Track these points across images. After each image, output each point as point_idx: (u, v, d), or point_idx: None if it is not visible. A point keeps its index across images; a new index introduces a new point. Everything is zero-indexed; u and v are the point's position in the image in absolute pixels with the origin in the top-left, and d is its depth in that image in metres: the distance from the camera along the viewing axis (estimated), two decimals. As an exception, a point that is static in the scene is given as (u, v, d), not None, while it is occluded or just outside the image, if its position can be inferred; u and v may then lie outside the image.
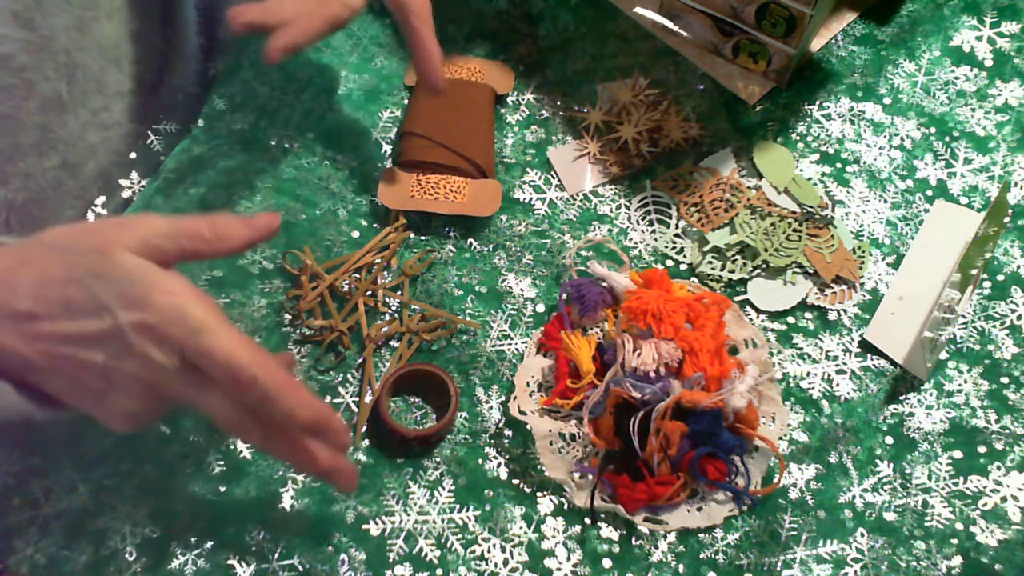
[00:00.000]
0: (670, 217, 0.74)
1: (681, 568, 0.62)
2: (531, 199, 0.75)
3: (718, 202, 0.74)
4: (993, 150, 0.76)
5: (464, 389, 0.68)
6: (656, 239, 0.74)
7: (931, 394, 0.68)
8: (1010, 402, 0.67)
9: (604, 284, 0.69)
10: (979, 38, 0.81)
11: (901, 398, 0.68)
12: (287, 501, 0.64)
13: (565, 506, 0.64)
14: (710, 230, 0.73)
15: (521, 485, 0.65)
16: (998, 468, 0.65)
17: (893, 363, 0.69)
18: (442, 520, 0.64)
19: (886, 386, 0.68)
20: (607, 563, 0.63)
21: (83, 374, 0.49)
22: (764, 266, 0.72)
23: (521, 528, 0.64)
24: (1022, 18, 0.81)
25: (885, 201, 0.75)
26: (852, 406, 0.68)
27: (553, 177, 0.76)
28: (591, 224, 0.74)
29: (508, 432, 0.67)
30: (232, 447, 0.66)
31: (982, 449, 0.66)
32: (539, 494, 0.65)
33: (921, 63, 0.80)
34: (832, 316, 0.71)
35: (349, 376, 0.68)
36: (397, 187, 0.73)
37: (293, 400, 0.49)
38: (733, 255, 0.72)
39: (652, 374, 0.63)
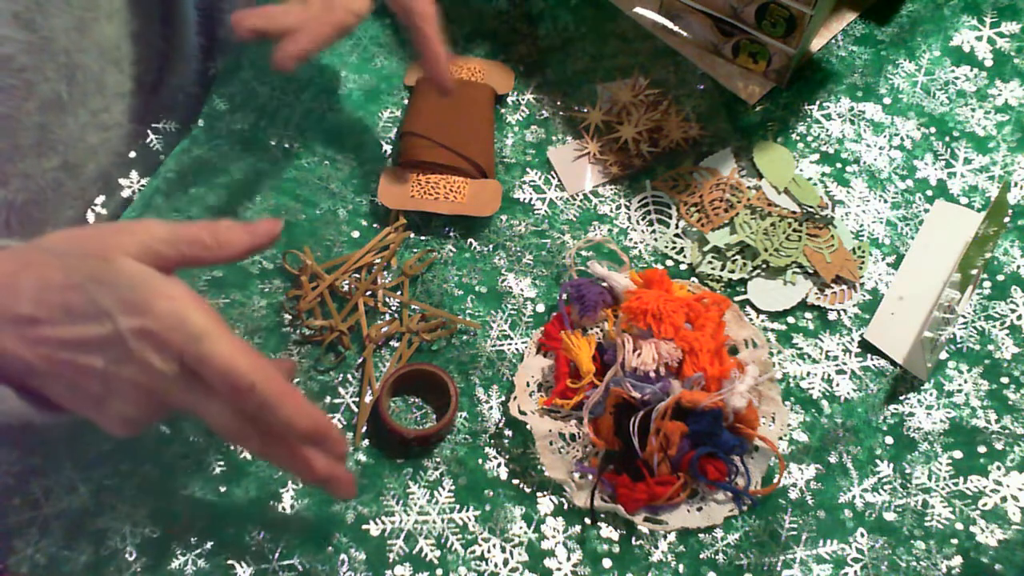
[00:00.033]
0: (670, 217, 0.74)
1: (681, 568, 0.62)
2: (531, 199, 0.75)
3: (718, 202, 0.74)
4: (993, 150, 0.76)
5: (464, 389, 0.68)
6: (656, 239, 0.74)
7: (931, 394, 0.68)
8: (1010, 402, 0.67)
9: (604, 284, 0.69)
10: (979, 38, 0.81)
11: (901, 398, 0.68)
12: (287, 501, 0.64)
13: (565, 506, 0.64)
14: (710, 230, 0.73)
15: (521, 485, 0.65)
16: (998, 468, 0.65)
17: (893, 363, 0.69)
18: (442, 520, 0.64)
19: (886, 386, 0.68)
20: (607, 563, 0.63)
21: (83, 379, 0.49)
22: (764, 266, 0.72)
23: (521, 528, 0.64)
24: (1022, 18, 0.81)
25: (885, 201, 0.75)
26: (852, 406, 0.68)
27: (553, 177, 0.76)
28: (591, 224, 0.74)
29: (508, 432, 0.67)
30: (232, 447, 0.66)
31: (982, 449, 0.66)
32: (539, 494, 0.65)
33: (921, 63, 0.80)
34: (832, 316, 0.71)
35: (349, 376, 0.68)
36: (397, 187, 0.73)
37: (291, 409, 0.49)
38: (733, 255, 0.72)
39: (652, 374, 0.63)
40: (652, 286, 0.67)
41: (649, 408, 0.62)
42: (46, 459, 0.65)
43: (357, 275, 0.71)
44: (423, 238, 0.73)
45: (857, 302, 0.71)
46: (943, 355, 0.69)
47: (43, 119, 0.66)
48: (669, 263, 0.73)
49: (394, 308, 0.71)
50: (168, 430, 0.66)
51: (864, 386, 0.68)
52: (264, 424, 0.50)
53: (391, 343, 0.69)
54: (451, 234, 0.74)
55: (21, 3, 0.61)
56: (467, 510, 0.64)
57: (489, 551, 0.63)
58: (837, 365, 0.69)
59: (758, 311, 0.71)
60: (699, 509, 0.63)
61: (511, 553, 0.63)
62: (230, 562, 0.62)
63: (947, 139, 0.77)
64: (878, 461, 0.66)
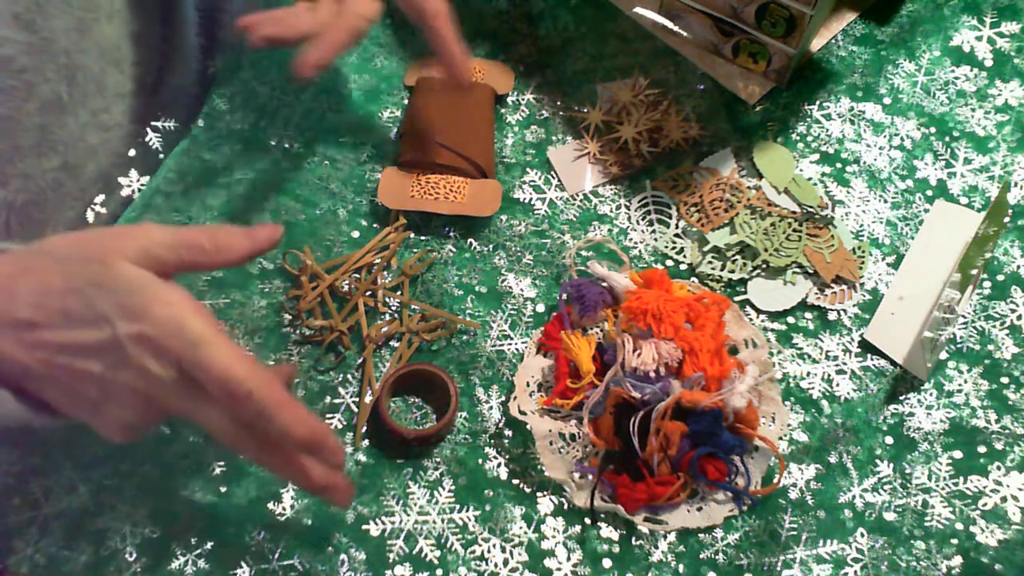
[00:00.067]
0: (670, 217, 0.74)
1: (681, 568, 0.62)
2: (531, 199, 0.75)
3: (718, 202, 0.74)
4: (993, 150, 0.76)
5: (464, 389, 0.68)
6: (656, 239, 0.74)
7: (931, 394, 0.68)
8: (1010, 402, 0.67)
9: (604, 284, 0.69)
10: (979, 38, 0.81)
11: (901, 398, 0.68)
12: (287, 502, 0.64)
13: (565, 506, 0.64)
14: (710, 230, 0.73)
15: (521, 485, 0.65)
16: (998, 468, 0.65)
17: (893, 363, 0.69)
18: (442, 520, 0.64)
19: (886, 386, 0.68)
20: (607, 563, 0.63)
21: (80, 383, 0.49)
22: (764, 266, 0.72)
23: (521, 528, 0.64)
24: (1022, 18, 0.81)
25: (885, 201, 0.75)
26: (852, 406, 0.68)
27: (553, 177, 0.76)
28: (591, 224, 0.74)
29: (508, 432, 0.67)
30: (232, 447, 0.66)
31: (982, 449, 0.66)
32: (539, 494, 0.65)
33: (921, 63, 0.80)
34: (832, 316, 0.71)
35: (349, 376, 0.69)
36: (397, 187, 0.73)
37: (288, 417, 0.49)
38: (733, 255, 0.72)
39: (652, 374, 0.63)
40: (652, 286, 0.67)
41: (649, 408, 0.62)
42: (46, 459, 0.65)
43: (357, 275, 0.71)
44: (423, 238, 0.73)
45: (857, 302, 0.71)
46: (943, 355, 0.69)
47: (43, 120, 0.66)
48: (669, 263, 0.73)
49: (394, 308, 0.71)
50: (168, 430, 0.66)
51: (864, 386, 0.68)
52: (261, 431, 0.50)
53: (391, 343, 0.69)
54: (451, 234, 0.74)
55: (21, 4, 0.61)
56: (467, 510, 0.64)
57: (489, 551, 0.63)
58: (837, 365, 0.69)
59: (758, 311, 0.71)
60: (699, 509, 0.63)
61: (511, 553, 0.63)
62: (230, 562, 0.62)
63: (947, 139, 0.77)
64: (878, 461, 0.66)
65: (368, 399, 0.67)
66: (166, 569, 0.62)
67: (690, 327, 0.65)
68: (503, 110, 0.79)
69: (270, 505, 0.64)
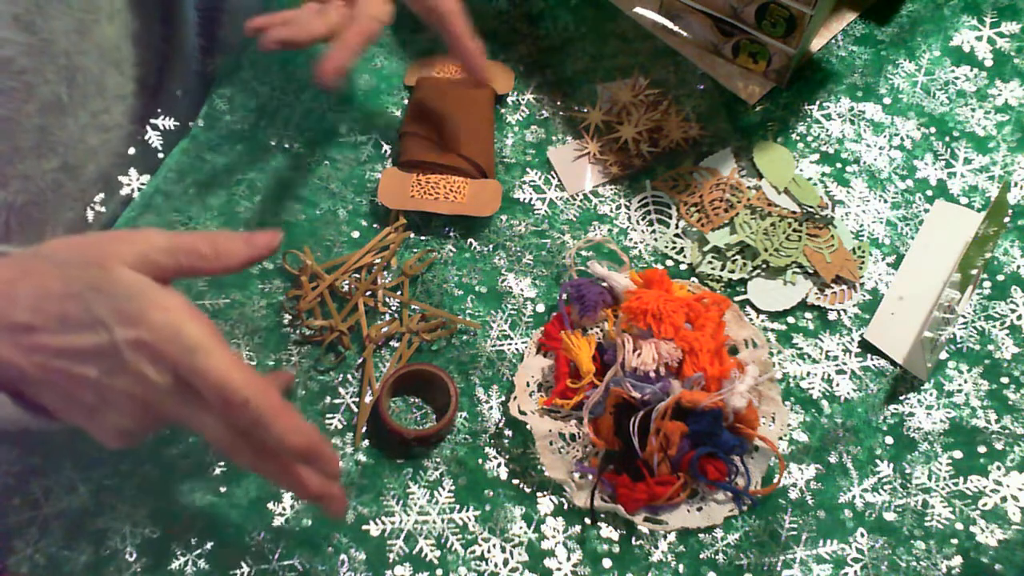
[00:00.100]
0: (670, 217, 0.74)
1: (681, 568, 0.62)
2: (531, 199, 0.75)
3: (718, 202, 0.74)
4: (993, 150, 0.76)
5: (464, 389, 0.68)
6: (656, 239, 0.74)
7: (931, 394, 0.68)
8: (1010, 402, 0.67)
9: (604, 284, 0.69)
10: (979, 38, 0.81)
11: (901, 398, 0.68)
12: (287, 502, 0.64)
13: (565, 506, 0.64)
14: (710, 230, 0.73)
15: (521, 485, 0.65)
16: (998, 468, 0.65)
17: (893, 363, 0.69)
18: (442, 520, 0.64)
19: (886, 386, 0.68)
20: (607, 563, 0.63)
21: (77, 388, 0.49)
22: (764, 266, 0.72)
23: (521, 528, 0.64)
24: (1022, 18, 0.81)
25: (885, 201, 0.75)
26: (852, 406, 0.68)
27: (553, 177, 0.76)
28: (591, 224, 0.74)
29: (508, 432, 0.67)
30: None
31: (982, 449, 0.66)
32: (539, 494, 0.65)
33: (921, 63, 0.80)
34: (832, 316, 0.71)
35: (349, 376, 0.69)
36: (397, 187, 0.73)
37: (284, 426, 0.48)
38: (733, 255, 0.72)
39: (652, 374, 0.63)
40: (652, 286, 0.67)
41: (649, 408, 0.62)
42: (46, 459, 0.65)
43: (357, 275, 0.71)
44: (423, 238, 0.73)
45: (857, 302, 0.71)
46: (943, 355, 0.69)
47: (43, 121, 0.66)
48: (669, 263, 0.73)
49: (394, 308, 0.71)
50: (168, 431, 0.66)
51: (864, 386, 0.68)
52: (257, 439, 0.50)
53: (391, 343, 0.70)
54: (451, 234, 0.74)
55: (21, 5, 0.61)
56: (467, 510, 0.64)
57: (489, 551, 0.63)
58: (837, 365, 0.69)
59: (758, 311, 0.71)
60: (699, 509, 0.63)
61: (511, 553, 0.63)
62: (230, 562, 0.62)
63: (947, 139, 0.77)
64: (878, 461, 0.66)
65: (368, 399, 0.67)
66: (166, 569, 0.62)
67: (690, 327, 0.65)
68: (503, 110, 0.79)
69: (270, 505, 0.64)
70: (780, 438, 0.66)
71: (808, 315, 0.71)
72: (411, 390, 0.68)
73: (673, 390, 0.62)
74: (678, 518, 0.63)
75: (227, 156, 0.76)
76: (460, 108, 0.75)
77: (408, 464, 0.66)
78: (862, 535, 0.63)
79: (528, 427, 0.65)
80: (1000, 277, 0.72)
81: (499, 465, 0.66)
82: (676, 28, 0.81)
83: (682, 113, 0.78)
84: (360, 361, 0.69)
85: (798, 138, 0.77)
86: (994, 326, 0.70)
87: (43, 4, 0.63)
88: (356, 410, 0.67)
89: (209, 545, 0.63)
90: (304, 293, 0.69)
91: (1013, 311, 0.70)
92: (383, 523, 0.64)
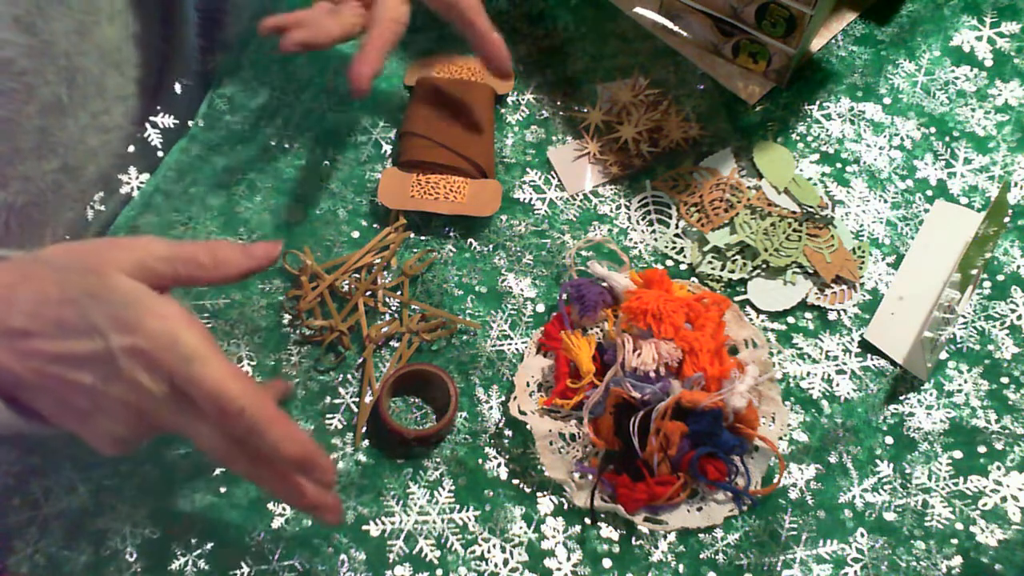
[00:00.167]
0: (670, 217, 0.74)
1: (681, 568, 0.62)
2: (531, 199, 0.75)
3: (718, 202, 0.74)
4: (993, 150, 0.76)
5: (464, 389, 0.68)
6: (656, 239, 0.74)
7: (931, 394, 0.68)
8: (1010, 402, 0.67)
9: (604, 284, 0.69)
10: (979, 38, 0.81)
11: (901, 398, 0.68)
12: (287, 501, 0.64)
13: (565, 506, 0.64)
14: (710, 230, 0.73)
15: (521, 485, 0.65)
16: (998, 468, 0.65)
17: (893, 363, 0.69)
18: (442, 520, 0.64)
19: (886, 386, 0.68)
20: (607, 563, 0.63)
21: (71, 394, 0.49)
22: (764, 266, 0.72)
23: (521, 528, 0.64)
24: (1022, 18, 0.81)
25: (885, 201, 0.75)
26: (852, 406, 0.68)
27: (553, 177, 0.76)
28: (591, 224, 0.74)
29: (508, 432, 0.67)
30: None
31: (982, 449, 0.66)
32: (539, 494, 0.65)
33: (921, 63, 0.80)
34: (832, 316, 0.71)
35: (349, 376, 0.69)
36: (397, 187, 0.73)
37: (280, 435, 0.48)
38: (733, 255, 0.72)
39: (652, 374, 0.63)
40: (652, 286, 0.67)
41: (649, 408, 0.62)
42: (46, 459, 0.65)
43: (357, 275, 0.71)
44: (423, 238, 0.73)
45: (857, 302, 0.71)
46: (943, 355, 0.69)
47: (43, 122, 0.66)
48: (669, 263, 0.73)
49: (394, 308, 0.71)
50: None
51: (864, 386, 0.68)
52: (253, 448, 0.50)
53: (391, 343, 0.70)
54: (451, 234, 0.74)
55: (22, 7, 0.61)
56: (467, 510, 0.64)
57: (489, 551, 0.63)
58: (837, 365, 0.69)
59: (758, 311, 0.71)
60: (699, 509, 0.63)
61: (511, 553, 0.63)
62: (230, 563, 0.62)
63: (947, 139, 0.77)
64: (878, 461, 0.66)
65: (368, 399, 0.67)
66: (166, 569, 0.62)
67: (690, 327, 0.65)
68: (503, 110, 0.79)
69: (270, 505, 0.64)
70: (780, 438, 0.66)
71: (808, 315, 0.71)
72: (411, 390, 0.68)
73: (673, 390, 0.62)
74: (678, 518, 0.63)
75: (227, 156, 0.76)
76: (460, 108, 0.75)
77: (408, 464, 0.66)
78: (862, 535, 0.63)
79: (528, 427, 0.65)
80: (1000, 277, 0.72)
81: (499, 465, 0.66)
82: (676, 28, 0.81)
83: (682, 113, 0.78)
84: (360, 361, 0.69)
85: (798, 138, 0.77)
86: (994, 326, 0.70)
87: (43, 5, 0.63)
88: (356, 410, 0.67)
89: (209, 545, 0.63)
90: (304, 293, 0.69)
91: (1013, 311, 0.70)
92: (383, 523, 0.64)
